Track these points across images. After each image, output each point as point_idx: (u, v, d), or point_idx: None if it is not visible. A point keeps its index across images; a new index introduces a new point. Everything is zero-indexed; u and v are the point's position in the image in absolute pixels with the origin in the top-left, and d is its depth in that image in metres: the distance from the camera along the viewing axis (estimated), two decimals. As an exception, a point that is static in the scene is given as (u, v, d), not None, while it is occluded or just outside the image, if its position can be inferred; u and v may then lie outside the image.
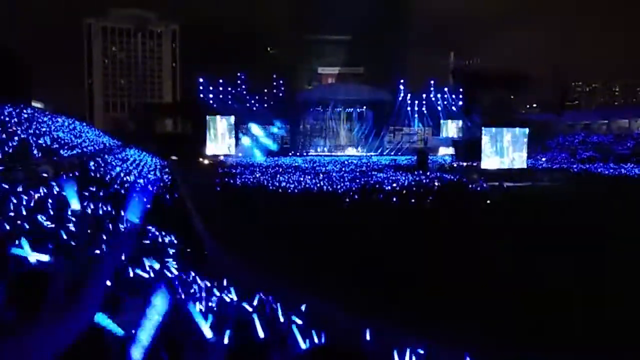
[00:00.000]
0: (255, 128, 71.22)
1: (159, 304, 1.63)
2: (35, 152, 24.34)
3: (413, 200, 27.77)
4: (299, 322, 4.95)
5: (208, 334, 2.01)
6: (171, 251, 9.89)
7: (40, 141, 28.82)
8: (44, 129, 35.89)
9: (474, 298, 10.40)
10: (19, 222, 7.20)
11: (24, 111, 41.14)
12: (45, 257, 2.84)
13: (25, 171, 17.93)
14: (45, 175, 18.48)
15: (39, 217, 7.87)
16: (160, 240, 11.23)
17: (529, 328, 8.97)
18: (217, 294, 6.49)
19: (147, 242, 9.47)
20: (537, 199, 31.11)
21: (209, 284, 7.09)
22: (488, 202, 29.32)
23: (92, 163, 27.65)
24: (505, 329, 8.78)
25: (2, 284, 1.99)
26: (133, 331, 1.65)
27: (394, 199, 28.01)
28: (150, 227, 11.67)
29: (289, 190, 31.78)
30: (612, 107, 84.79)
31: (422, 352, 4.57)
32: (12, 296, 2.14)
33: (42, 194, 12.03)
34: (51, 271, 1.85)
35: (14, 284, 2.20)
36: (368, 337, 4.35)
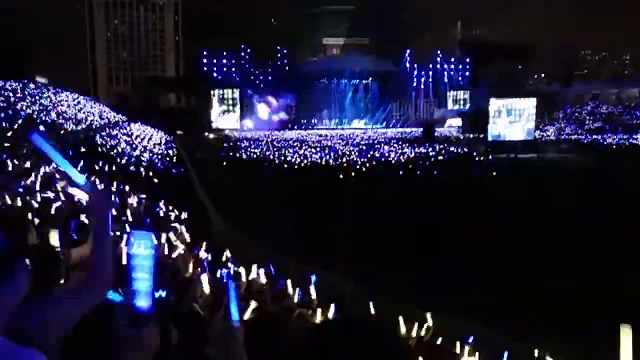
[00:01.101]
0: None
1: (141, 250, 1.62)
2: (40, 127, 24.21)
3: (418, 173, 27.61)
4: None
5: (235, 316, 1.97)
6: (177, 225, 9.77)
7: (44, 116, 28.71)
8: (48, 105, 35.75)
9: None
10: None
11: (28, 86, 40.99)
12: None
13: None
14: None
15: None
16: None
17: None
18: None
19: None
20: (542, 172, 30.77)
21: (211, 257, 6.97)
22: (494, 173, 29.10)
23: (98, 138, 27.58)
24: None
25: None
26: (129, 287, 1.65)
27: (400, 172, 27.81)
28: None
29: (295, 165, 31.59)
30: (622, 76, 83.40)
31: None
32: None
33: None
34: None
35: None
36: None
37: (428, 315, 4.70)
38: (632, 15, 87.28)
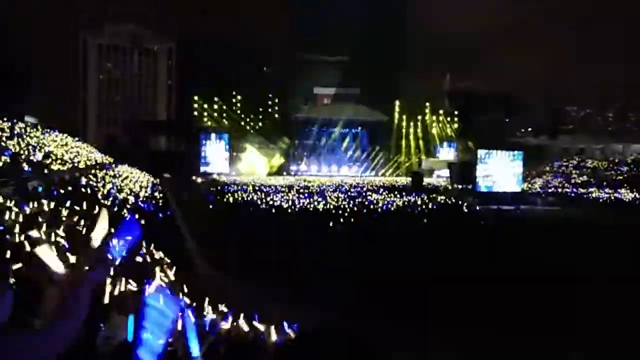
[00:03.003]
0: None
1: (170, 310, 1.62)
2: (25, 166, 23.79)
3: (408, 222, 27.48)
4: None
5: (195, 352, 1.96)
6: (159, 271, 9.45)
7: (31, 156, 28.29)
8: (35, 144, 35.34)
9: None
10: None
11: (17, 125, 40.64)
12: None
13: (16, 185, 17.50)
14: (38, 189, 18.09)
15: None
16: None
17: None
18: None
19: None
20: (529, 224, 31.01)
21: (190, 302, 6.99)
22: (482, 222, 29.23)
23: (83, 179, 27.14)
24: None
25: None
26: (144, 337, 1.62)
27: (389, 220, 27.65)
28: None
29: (282, 210, 31.26)
30: (606, 132, 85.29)
31: None
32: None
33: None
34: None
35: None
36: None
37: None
38: (616, 74, 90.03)
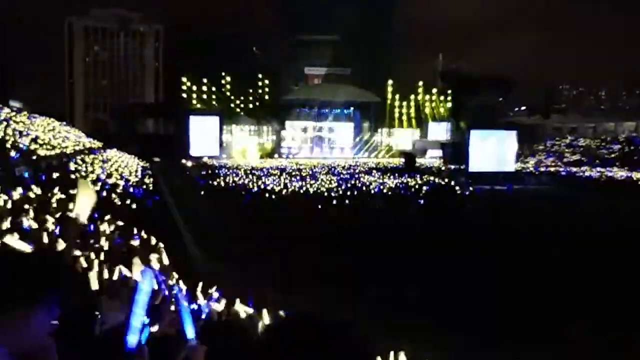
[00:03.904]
0: None
1: (145, 286, 1.70)
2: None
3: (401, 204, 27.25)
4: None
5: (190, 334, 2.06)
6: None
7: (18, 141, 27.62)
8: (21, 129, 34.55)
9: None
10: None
11: (2, 111, 39.72)
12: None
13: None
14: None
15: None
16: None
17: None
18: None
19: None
20: (523, 203, 30.89)
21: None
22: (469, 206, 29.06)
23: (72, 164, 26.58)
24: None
25: None
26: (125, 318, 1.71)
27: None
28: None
29: (274, 194, 30.83)
30: (599, 110, 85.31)
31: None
32: None
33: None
34: None
35: None
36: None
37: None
38: (609, 52, 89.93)
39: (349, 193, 30.71)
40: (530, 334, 9.21)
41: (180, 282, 7.32)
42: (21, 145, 26.97)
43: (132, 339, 1.66)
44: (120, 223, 12.46)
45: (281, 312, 5.57)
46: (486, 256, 14.73)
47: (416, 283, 12.16)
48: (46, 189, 13.35)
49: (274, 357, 0.94)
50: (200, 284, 7.30)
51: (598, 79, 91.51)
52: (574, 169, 56.26)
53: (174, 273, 7.89)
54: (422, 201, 28.91)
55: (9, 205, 9.39)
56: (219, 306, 6.72)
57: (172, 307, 4.67)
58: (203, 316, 5.72)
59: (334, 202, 27.00)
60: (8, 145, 24.63)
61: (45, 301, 1.40)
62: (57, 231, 7.39)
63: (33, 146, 29.01)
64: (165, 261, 7.78)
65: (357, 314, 7.54)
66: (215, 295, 7.29)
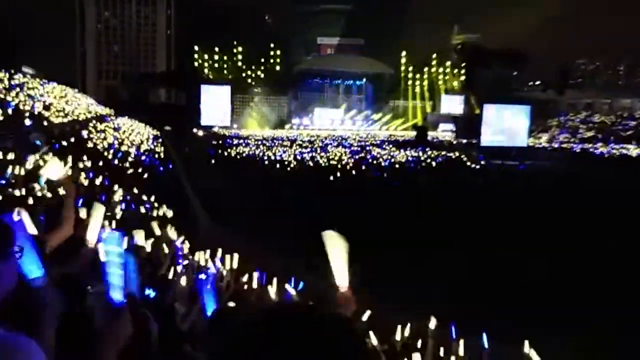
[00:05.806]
0: None
1: (111, 248, 1.76)
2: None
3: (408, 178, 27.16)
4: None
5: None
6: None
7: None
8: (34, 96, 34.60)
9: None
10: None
11: (14, 76, 39.74)
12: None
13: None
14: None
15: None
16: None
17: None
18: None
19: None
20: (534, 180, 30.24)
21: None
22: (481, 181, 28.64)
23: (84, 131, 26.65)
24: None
25: None
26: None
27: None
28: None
29: (285, 165, 30.81)
30: (615, 86, 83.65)
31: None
32: None
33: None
34: None
35: None
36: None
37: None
38: (627, 26, 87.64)
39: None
40: (550, 321, 9.06)
41: (195, 253, 7.36)
42: (35, 112, 27.02)
43: (117, 296, 1.72)
44: (135, 191, 12.58)
45: (287, 286, 5.56)
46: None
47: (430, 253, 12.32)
48: (59, 157, 13.40)
49: (268, 351, 0.92)
50: (208, 251, 7.30)
51: (616, 53, 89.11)
52: (588, 146, 55.56)
53: (187, 242, 7.88)
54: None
55: (23, 172, 9.50)
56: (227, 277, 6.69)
57: (183, 282, 4.69)
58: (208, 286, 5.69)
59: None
60: (22, 113, 24.69)
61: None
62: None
63: (46, 113, 29.07)
64: (170, 231, 7.70)
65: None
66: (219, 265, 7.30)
